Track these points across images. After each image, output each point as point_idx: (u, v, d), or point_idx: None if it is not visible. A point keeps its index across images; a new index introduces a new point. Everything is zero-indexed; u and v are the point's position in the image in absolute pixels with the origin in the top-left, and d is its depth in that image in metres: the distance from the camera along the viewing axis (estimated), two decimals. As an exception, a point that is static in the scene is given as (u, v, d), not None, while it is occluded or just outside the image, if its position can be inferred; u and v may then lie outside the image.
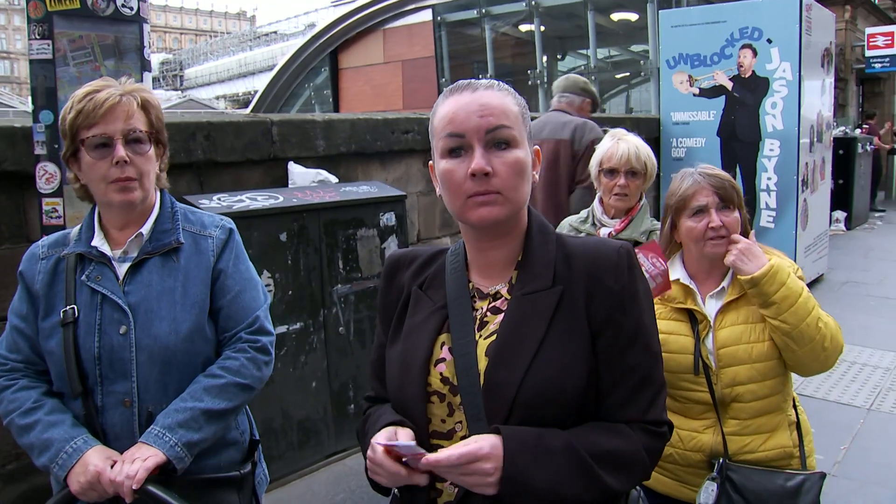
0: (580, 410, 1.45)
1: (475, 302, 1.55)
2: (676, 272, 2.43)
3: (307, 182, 4.67)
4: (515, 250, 1.55)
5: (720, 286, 2.38)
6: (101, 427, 1.98)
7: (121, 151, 1.95)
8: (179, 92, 50.01)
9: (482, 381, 1.44)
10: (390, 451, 1.43)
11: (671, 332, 2.36)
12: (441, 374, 1.51)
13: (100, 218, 2.09)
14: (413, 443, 1.42)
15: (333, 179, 4.83)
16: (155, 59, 66.35)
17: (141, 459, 1.85)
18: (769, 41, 8.34)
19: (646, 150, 3.02)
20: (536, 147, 1.55)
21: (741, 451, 2.30)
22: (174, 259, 2.06)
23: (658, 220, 2.85)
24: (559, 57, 19.74)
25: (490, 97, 1.46)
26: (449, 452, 1.35)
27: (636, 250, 2.22)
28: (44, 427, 1.94)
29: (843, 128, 14.34)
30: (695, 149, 8.96)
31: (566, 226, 3.28)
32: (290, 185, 4.64)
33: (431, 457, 1.36)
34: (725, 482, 2.25)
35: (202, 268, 2.08)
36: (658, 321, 2.26)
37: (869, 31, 18.15)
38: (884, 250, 11.14)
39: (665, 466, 2.41)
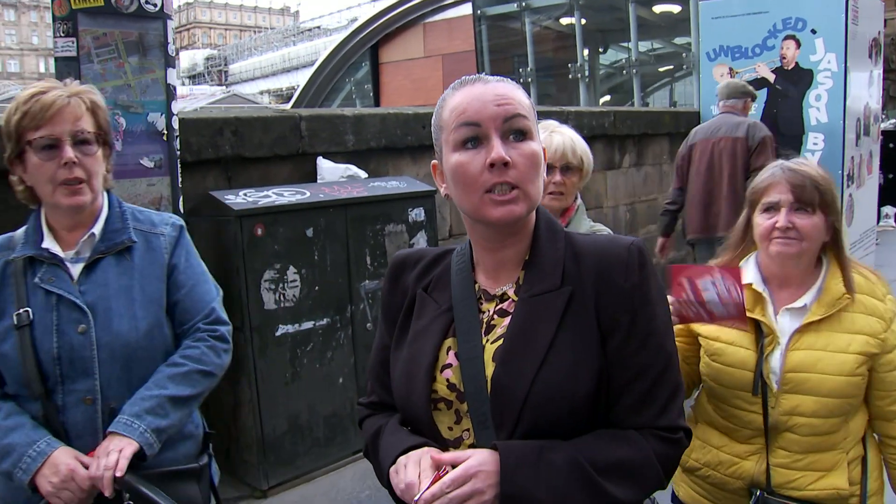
0: (591, 415, 1.39)
1: (482, 304, 1.50)
2: (749, 275, 2.17)
3: (336, 177, 4.65)
4: (524, 250, 1.49)
5: (802, 302, 2.09)
6: (62, 426, 1.99)
7: (69, 153, 1.95)
8: (224, 87, 50.60)
9: (489, 388, 1.40)
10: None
11: (731, 342, 2.14)
12: (448, 380, 1.46)
13: (47, 220, 2.10)
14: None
15: (363, 174, 4.81)
16: (200, 55, 67.28)
17: (116, 451, 1.88)
18: (813, 32, 8.14)
19: (581, 144, 2.69)
20: (544, 146, 1.47)
21: (786, 485, 2.09)
22: (127, 258, 2.09)
23: (602, 224, 2.69)
24: (600, 50, 19.54)
25: (504, 88, 1.41)
26: (440, 484, 1.31)
27: (717, 268, 2.07)
28: (3, 432, 1.95)
29: (892, 121, 13.96)
30: (736, 143, 8.78)
31: None
32: (318, 181, 4.63)
33: (426, 494, 1.31)
34: None
35: (157, 265, 2.12)
36: (718, 327, 2.14)
37: (921, 20, 17.65)
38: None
39: (703, 486, 2.25)
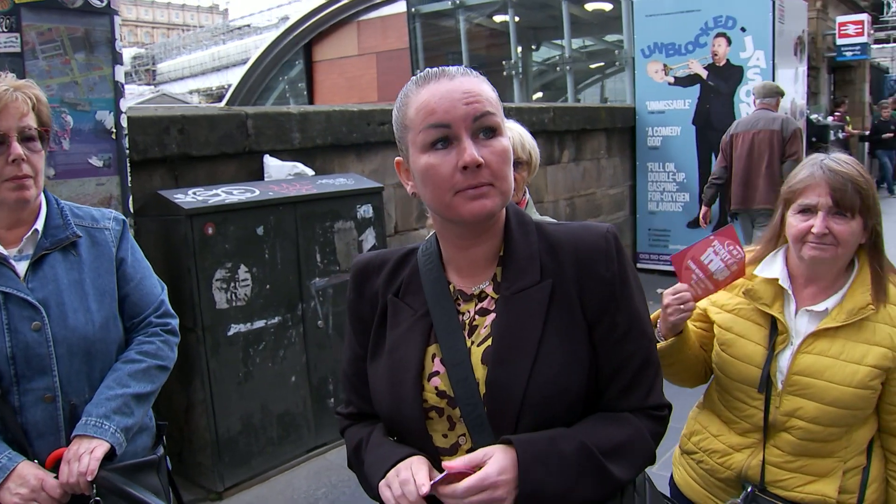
0: (585, 406, 1.41)
1: (459, 305, 1.46)
2: (776, 270, 2.07)
3: (283, 175, 4.63)
4: (497, 245, 1.46)
5: (823, 306, 2.00)
6: (20, 428, 1.95)
7: (18, 149, 1.91)
8: (152, 87, 49.54)
9: (483, 390, 1.37)
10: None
11: (742, 334, 2.08)
12: (436, 388, 1.42)
13: None
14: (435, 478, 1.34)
15: (310, 172, 4.80)
16: (127, 54, 65.52)
17: (88, 453, 1.87)
18: (743, 30, 8.40)
19: (529, 139, 2.69)
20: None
21: (775, 483, 2.06)
22: (74, 253, 2.07)
23: (550, 217, 2.64)
24: (533, 48, 19.70)
25: (470, 83, 1.36)
26: (453, 488, 1.29)
27: (713, 237, 2.06)
28: None
29: (815, 115, 14.43)
30: (670, 137, 9.00)
31: None
32: (266, 179, 4.60)
33: (445, 490, 1.30)
34: None
35: (105, 258, 2.11)
36: (734, 318, 2.11)
37: (839, 19, 18.27)
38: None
39: (697, 471, 2.24)
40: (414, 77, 1.42)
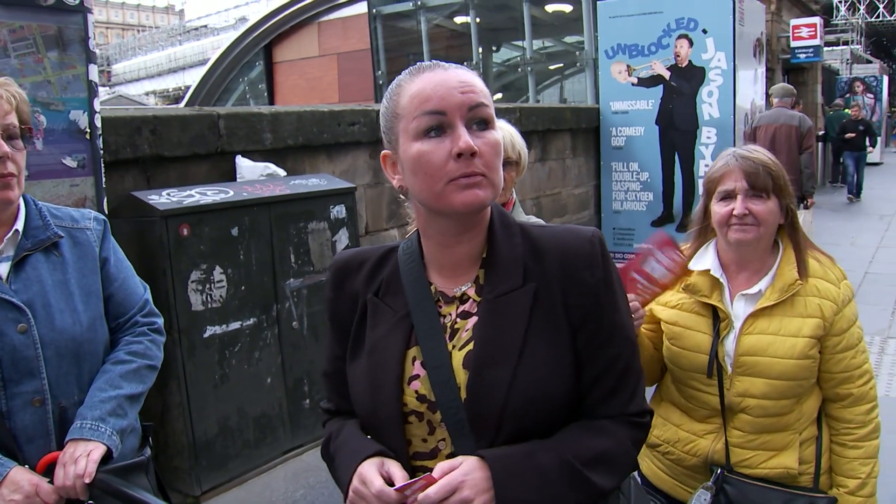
0: (568, 411, 1.39)
1: (441, 307, 1.43)
2: (708, 261, 2.22)
3: (255, 176, 4.60)
4: (480, 246, 1.43)
5: (756, 288, 2.16)
6: (9, 432, 1.92)
7: (4, 147, 1.89)
8: (108, 88, 48.77)
9: (465, 395, 1.35)
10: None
11: (689, 326, 2.21)
12: (416, 391, 1.39)
13: None
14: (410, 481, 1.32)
15: (282, 173, 4.77)
16: (80, 55, 64.46)
17: (84, 455, 1.86)
18: (704, 31, 8.52)
19: (519, 138, 2.69)
20: (385, 151, 1.45)
21: (740, 463, 2.17)
22: (56, 254, 2.04)
23: (536, 217, 2.69)
24: (494, 49, 19.81)
25: (465, 74, 1.36)
26: (424, 495, 1.26)
27: (647, 246, 2.14)
28: None
29: (772, 116, 14.71)
30: (634, 137, 9.09)
31: None
32: (238, 179, 4.57)
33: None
34: (720, 494, 2.14)
35: (89, 258, 2.09)
36: (678, 313, 2.22)
37: (793, 22, 18.64)
38: (810, 234, 11.47)
39: (664, 462, 2.32)
40: (406, 70, 1.41)
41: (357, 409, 1.49)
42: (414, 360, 1.41)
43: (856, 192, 15.59)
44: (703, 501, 2.14)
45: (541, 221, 2.66)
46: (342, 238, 4.73)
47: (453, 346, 1.40)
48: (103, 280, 2.12)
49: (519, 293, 1.38)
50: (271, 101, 21.71)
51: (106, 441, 1.91)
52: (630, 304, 2.06)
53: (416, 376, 1.40)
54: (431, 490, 1.26)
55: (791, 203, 2.16)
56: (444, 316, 1.43)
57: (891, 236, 11.35)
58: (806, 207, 8.06)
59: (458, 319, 1.42)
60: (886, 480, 3.93)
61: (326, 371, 1.60)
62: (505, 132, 2.63)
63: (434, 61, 1.40)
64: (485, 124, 1.34)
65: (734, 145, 8.44)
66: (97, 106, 3.37)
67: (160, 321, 2.26)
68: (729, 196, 2.14)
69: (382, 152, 1.44)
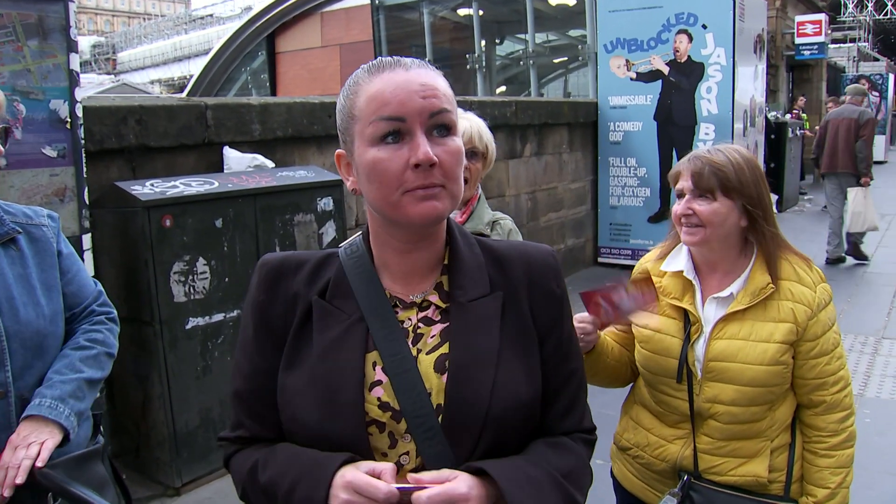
0: (536, 423, 1.35)
1: (398, 312, 1.33)
2: (681, 262, 2.17)
3: (243, 167, 4.58)
4: (439, 252, 1.37)
5: (728, 291, 2.09)
6: None
7: None
8: (112, 76, 48.75)
9: (440, 401, 1.27)
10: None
11: (659, 329, 2.15)
12: (379, 398, 1.27)
13: None
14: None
15: (270, 164, 4.75)
16: (87, 42, 64.50)
17: (38, 443, 1.84)
18: (704, 27, 8.48)
19: (486, 131, 2.65)
20: (339, 151, 1.36)
21: (709, 470, 2.12)
22: (14, 248, 2.03)
23: (499, 212, 2.69)
24: (497, 42, 19.73)
25: (427, 75, 1.26)
26: (417, 495, 1.16)
27: (626, 282, 2.07)
28: None
29: (774, 113, 14.65)
30: (632, 132, 9.07)
31: None
32: (225, 171, 4.55)
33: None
34: (686, 501, 2.10)
35: (47, 254, 2.09)
36: (650, 314, 2.14)
37: (798, 18, 18.57)
38: (813, 232, 11.43)
39: (634, 465, 2.28)
40: (365, 65, 1.32)
41: (297, 425, 1.30)
42: (374, 365, 1.29)
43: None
44: None
45: (508, 218, 2.62)
46: (329, 230, 4.71)
47: (419, 351, 1.30)
48: (59, 273, 2.12)
49: (489, 299, 1.34)
50: (273, 92, 21.68)
51: (63, 422, 1.89)
52: (587, 324, 2.09)
53: (379, 382, 1.28)
54: (424, 494, 1.15)
55: (749, 204, 2.06)
56: (403, 321, 1.33)
57: (891, 235, 11.30)
58: (861, 185, 9.32)
59: (421, 325, 1.33)
60: (880, 483, 3.95)
61: (240, 391, 1.39)
62: (473, 123, 2.62)
63: (395, 58, 1.31)
64: (446, 130, 1.26)
65: (732, 141, 8.42)
66: (78, 95, 3.35)
67: (115, 312, 2.27)
68: (680, 195, 2.12)
69: (337, 151, 1.35)
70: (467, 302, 1.32)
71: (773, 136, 12.98)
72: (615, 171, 9.28)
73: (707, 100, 8.53)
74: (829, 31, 19.81)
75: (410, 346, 1.31)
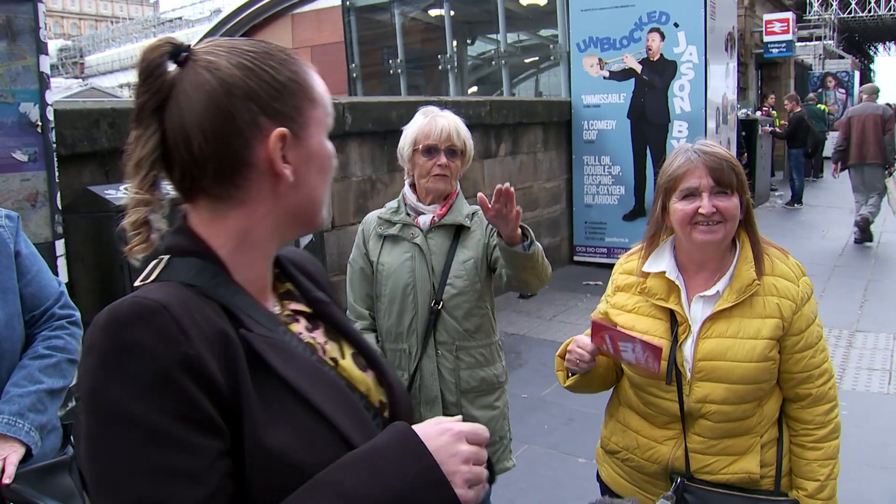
0: None
1: (288, 325, 1.19)
2: (664, 263, 2.13)
3: (218, 170, 4.53)
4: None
5: (714, 290, 2.07)
6: None
7: None
8: (80, 80, 48.19)
9: (387, 394, 1.24)
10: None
11: (645, 331, 2.10)
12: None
13: None
14: None
15: (245, 166, 4.70)
16: (54, 46, 63.74)
17: (1, 458, 1.81)
18: (676, 25, 8.54)
19: (465, 129, 2.72)
20: (282, 129, 1.10)
21: (702, 470, 2.10)
22: None
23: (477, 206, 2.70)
24: (469, 42, 19.73)
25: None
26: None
27: (641, 339, 1.99)
28: None
29: (744, 110, 14.79)
30: (606, 131, 9.10)
31: (374, 219, 2.84)
32: (200, 173, 4.50)
33: None
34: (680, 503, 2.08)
35: (4, 255, 2.05)
36: (636, 317, 2.15)
37: (766, 17, 18.77)
38: (785, 227, 11.58)
39: (623, 468, 2.26)
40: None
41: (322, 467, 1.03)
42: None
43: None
44: None
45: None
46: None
47: (332, 360, 1.20)
48: (17, 274, 2.07)
49: (326, 295, 1.30)
50: (245, 94, 21.57)
51: (24, 437, 1.86)
52: (586, 352, 2.09)
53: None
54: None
55: (748, 198, 2.08)
56: (300, 332, 1.19)
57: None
58: (890, 175, 10.60)
59: (312, 332, 1.22)
60: (858, 474, 3.98)
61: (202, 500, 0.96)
62: (451, 121, 2.70)
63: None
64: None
65: (705, 139, 8.49)
66: (49, 98, 3.29)
67: (77, 314, 2.20)
68: (692, 194, 2.03)
69: (281, 129, 1.10)
70: (327, 298, 1.28)
71: (744, 133, 13.09)
72: (589, 170, 9.31)
73: (680, 98, 8.58)
74: (796, 30, 20.04)
75: (324, 357, 1.19)
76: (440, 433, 1.06)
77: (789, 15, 18.79)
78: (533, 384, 5.59)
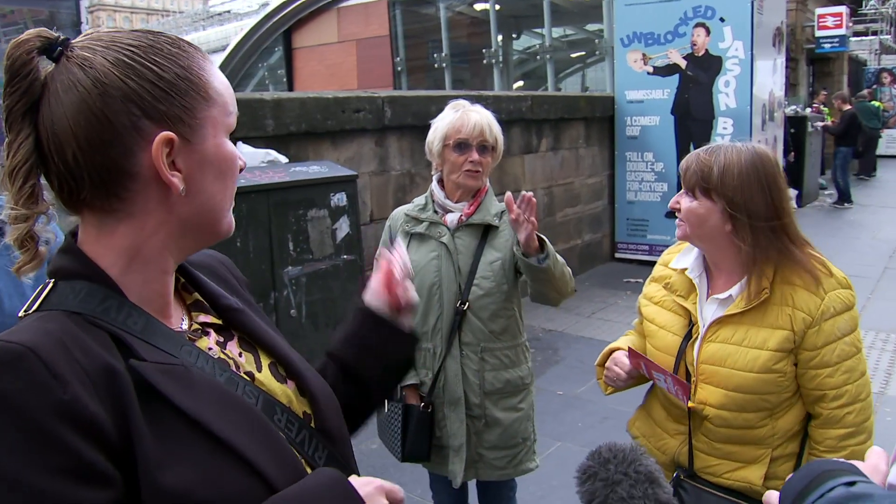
0: None
1: (195, 342, 1.08)
2: (688, 260, 2.14)
3: (256, 162, 4.57)
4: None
5: (728, 293, 2.02)
6: None
7: None
8: (130, 72, 49.11)
9: (311, 405, 1.16)
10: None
11: (663, 325, 2.15)
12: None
13: None
14: None
15: (283, 159, 4.74)
16: (105, 39, 64.93)
17: None
18: (722, 20, 8.39)
19: (496, 125, 2.68)
20: (167, 134, 0.99)
21: (705, 469, 2.09)
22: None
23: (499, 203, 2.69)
24: (514, 36, 19.68)
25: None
26: None
27: (670, 374, 2.05)
28: None
29: (794, 107, 14.50)
30: (649, 127, 8.99)
31: (401, 216, 2.83)
32: (238, 166, 4.54)
33: None
34: (675, 497, 2.04)
35: None
36: (659, 310, 2.19)
37: (819, 11, 18.38)
38: (833, 227, 11.33)
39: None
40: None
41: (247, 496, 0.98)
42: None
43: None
44: None
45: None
46: (343, 226, 4.69)
47: (248, 374, 1.11)
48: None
49: (239, 294, 1.24)
50: (290, 88, 21.71)
51: None
52: (623, 372, 2.17)
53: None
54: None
55: (736, 209, 1.95)
56: (210, 349, 1.10)
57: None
58: None
59: (225, 346, 1.13)
60: None
61: None
62: (483, 116, 2.67)
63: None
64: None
65: (750, 136, 8.34)
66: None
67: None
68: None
69: (165, 133, 0.99)
70: (244, 303, 1.20)
71: (793, 131, 12.84)
72: (632, 166, 9.21)
73: (725, 94, 8.44)
74: (851, 24, 19.60)
75: (237, 371, 1.10)
76: (365, 483, 1.03)
77: (843, 9, 18.36)
78: (569, 381, 5.55)
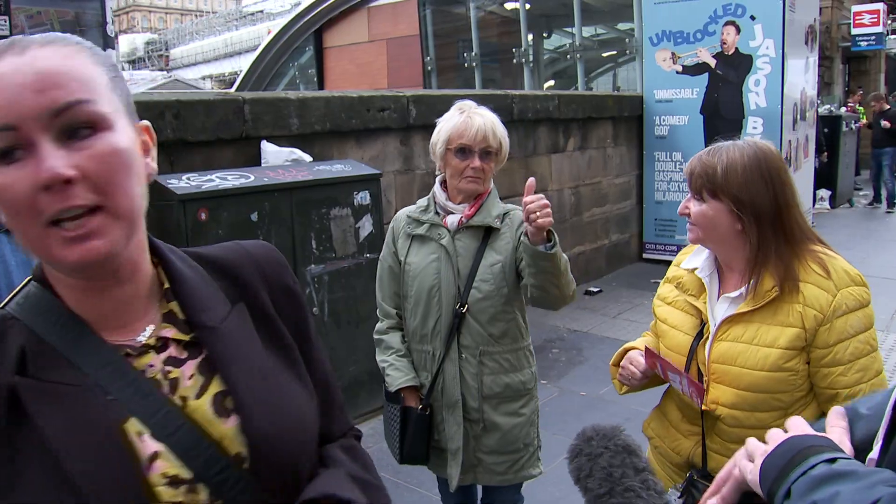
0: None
1: (133, 362, 1.04)
2: (699, 260, 2.13)
3: (281, 161, 4.60)
4: (149, 278, 1.09)
5: (738, 291, 2.01)
6: None
7: None
8: (165, 72, 49.63)
9: (246, 446, 1.04)
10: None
11: (675, 325, 2.14)
12: (165, 475, 0.98)
13: None
14: None
15: (308, 158, 4.77)
16: (140, 39, 65.78)
17: None
18: (752, 18, 8.30)
19: (501, 127, 2.63)
20: (144, 123, 1.04)
21: (718, 469, 2.03)
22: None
23: (510, 204, 2.66)
24: (545, 35, 19.59)
25: (50, 60, 0.92)
26: None
27: (685, 375, 2.02)
28: None
29: (828, 106, 14.30)
30: (678, 126, 8.92)
31: (403, 217, 2.81)
32: (263, 165, 4.58)
33: None
34: (688, 497, 2.08)
35: None
36: (671, 309, 2.18)
37: (855, 8, 18.09)
38: (867, 229, 11.16)
39: (654, 455, 2.26)
40: None
41: None
42: (140, 435, 0.99)
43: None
44: (672, 502, 2.07)
45: (519, 209, 2.52)
46: (366, 225, 4.72)
47: (183, 399, 1.04)
48: None
49: (236, 315, 1.13)
50: (321, 87, 21.81)
51: None
52: (638, 370, 2.17)
53: (155, 454, 0.98)
54: None
55: (743, 209, 1.94)
56: (145, 371, 1.04)
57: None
58: None
59: (170, 367, 1.06)
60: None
61: None
62: (486, 120, 2.61)
63: (14, 38, 0.98)
64: (89, 129, 0.94)
65: (781, 135, 8.24)
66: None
67: None
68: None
69: None
70: (220, 324, 1.11)
71: (826, 130, 12.66)
72: (661, 166, 9.14)
73: (755, 93, 8.35)
74: (889, 21, 19.27)
75: (170, 396, 1.04)
76: None
77: (880, 6, 18.04)
78: (592, 382, 5.53)
